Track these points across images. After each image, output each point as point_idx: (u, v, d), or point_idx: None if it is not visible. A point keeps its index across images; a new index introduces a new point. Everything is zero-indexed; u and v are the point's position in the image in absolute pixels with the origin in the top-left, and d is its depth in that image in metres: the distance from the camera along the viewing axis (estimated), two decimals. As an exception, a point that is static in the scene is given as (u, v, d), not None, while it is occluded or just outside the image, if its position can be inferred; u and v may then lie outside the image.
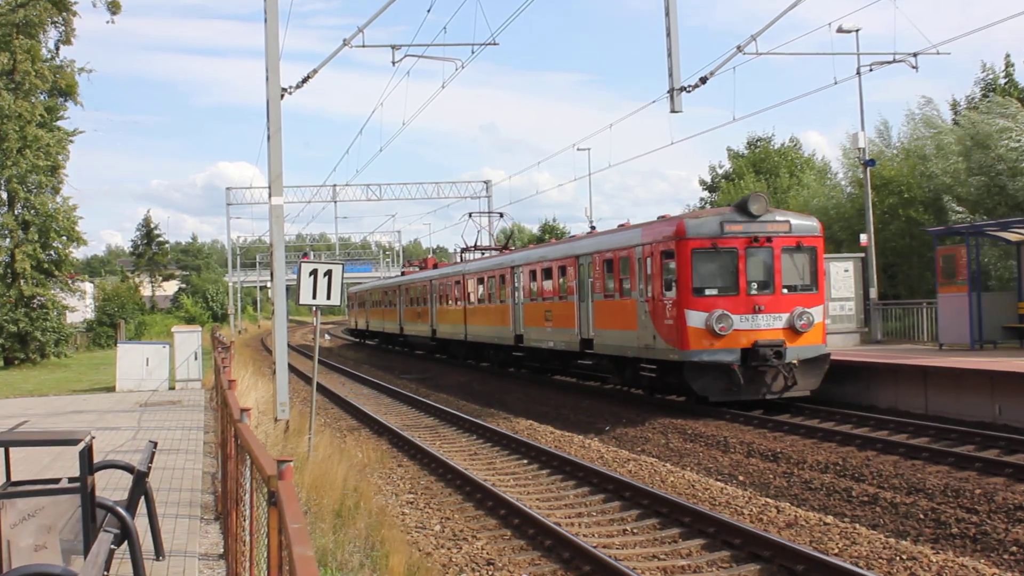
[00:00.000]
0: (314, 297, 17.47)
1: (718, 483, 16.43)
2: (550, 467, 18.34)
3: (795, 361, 24.01)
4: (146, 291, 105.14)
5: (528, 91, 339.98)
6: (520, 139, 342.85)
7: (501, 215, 55.28)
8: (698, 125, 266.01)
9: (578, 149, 59.35)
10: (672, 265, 24.33)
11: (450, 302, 46.00)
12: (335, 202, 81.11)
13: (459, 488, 16.67)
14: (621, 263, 27.25)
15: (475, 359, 44.98)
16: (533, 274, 34.65)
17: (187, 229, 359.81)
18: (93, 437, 7.92)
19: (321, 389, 33.86)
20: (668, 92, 23.80)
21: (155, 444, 10.48)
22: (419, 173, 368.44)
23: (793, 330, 23.98)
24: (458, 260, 50.50)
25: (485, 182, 78.33)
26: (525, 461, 19.33)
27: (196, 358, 31.84)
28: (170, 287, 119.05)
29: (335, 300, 17.45)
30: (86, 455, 7.66)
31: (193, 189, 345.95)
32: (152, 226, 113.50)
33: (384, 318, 63.70)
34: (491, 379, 37.59)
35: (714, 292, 23.94)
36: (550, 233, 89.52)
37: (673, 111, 24.02)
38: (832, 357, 25.29)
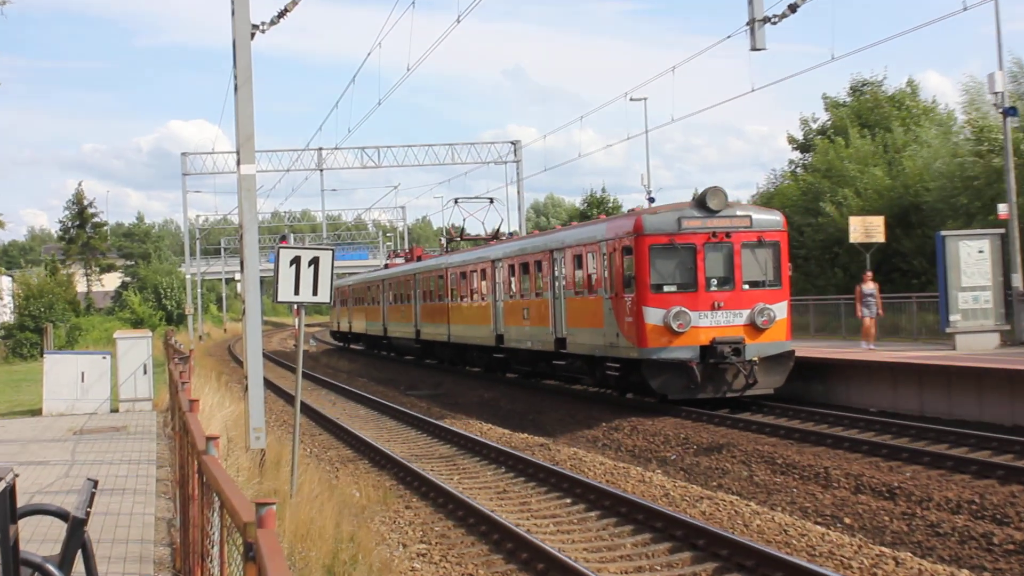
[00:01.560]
0: (296, 292, 17.48)
1: (818, 527, 16.34)
2: (600, 508, 18.33)
3: (756, 359, 29.00)
4: (80, 286, 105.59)
5: (564, 25, 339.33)
6: (555, 87, 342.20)
7: (491, 200, 58.47)
8: (786, 67, 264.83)
9: (631, 99, 59.10)
10: (631, 261, 29.30)
11: (434, 299, 50.78)
12: (321, 170, 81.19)
13: (484, 536, 16.66)
14: (589, 258, 32.34)
15: (461, 363, 50.12)
16: (512, 269, 39.52)
17: (131, 207, 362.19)
18: (16, 475, 7.92)
19: (306, 410, 33.97)
20: (748, 24, 23.72)
21: (95, 483, 10.48)
22: (428, 132, 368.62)
23: (754, 327, 29.16)
24: (444, 252, 55.73)
25: (512, 143, 78.17)
26: (568, 500, 19.31)
27: (145, 372, 31.97)
28: (111, 281, 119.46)
29: (323, 296, 17.46)
30: (7, 498, 7.65)
31: (137, 155, 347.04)
32: (86, 203, 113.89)
33: (367, 318, 69.12)
34: (522, 395, 37.65)
35: (672, 289, 29.12)
36: (597, 207, 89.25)
37: (754, 48, 23.93)
38: (966, 364, 25.16)
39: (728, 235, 29.50)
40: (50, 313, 66.89)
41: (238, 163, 19.90)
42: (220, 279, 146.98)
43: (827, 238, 54.48)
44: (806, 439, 24.60)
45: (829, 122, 67.12)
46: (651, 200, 61.03)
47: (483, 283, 43.23)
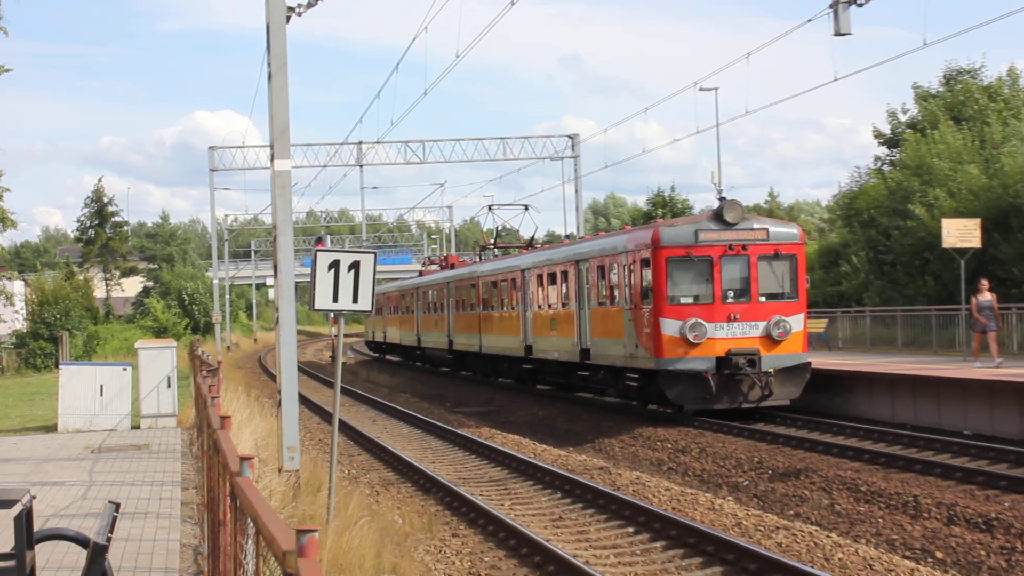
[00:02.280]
0: (335, 300, 17.53)
1: (906, 562, 16.24)
2: (666, 538, 18.28)
3: (771, 370, 32.00)
4: (99, 291, 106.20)
5: (626, 8, 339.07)
6: (615, 76, 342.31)
7: (526, 207, 61.33)
8: (873, 54, 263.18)
9: (701, 89, 58.82)
10: (649, 273, 32.61)
11: (466, 308, 54.40)
12: (361, 166, 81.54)
13: (538, 567, 16.66)
14: (611, 270, 35.62)
15: (493, 374, 53.35)
16: (541, 279, 42.99)
17: (153, 205, 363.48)
18: (33, 497, 8.00)
19: (344, 428, 34.08)
20: (831, 6, 23.61)
21: (116, 506, 10.56)
22: (477, 125, 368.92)
23: (770, 339, 32.19)
24: (478, 259, 60.14)
25: (569, 137, 78.27)
26: (631, 529, 19.26)
27: (169, 385, 32.15)
28: (132, 286, 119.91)
29: (364, 304, 17.47)
30: (24, 521, 7.73)
31: (160, 150, 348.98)
32: (105, 201, 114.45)
33: (401, 327, 72.85)
34: (581, 413, 37.62)
35: (689, 300, 32.25)
36: (663, 207, 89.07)
37: (838, 33, 23.86)
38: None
39: (745, 247, 32.58)
40: (66, 321, 67.36)
41: (272, 158, 20.01)
42: (250, 284, 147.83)
43: (916, 243, 54.04)
44: (893, 464, 24.45)
45: (919, 115, 66.64)
46: (722, 199, 60.76)
47: (513, 293, 46.33)
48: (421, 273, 72.83)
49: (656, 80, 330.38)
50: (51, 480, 21.62)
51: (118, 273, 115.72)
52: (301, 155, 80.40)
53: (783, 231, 33.68)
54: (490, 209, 61.14)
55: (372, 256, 17.80)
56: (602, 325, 36.45)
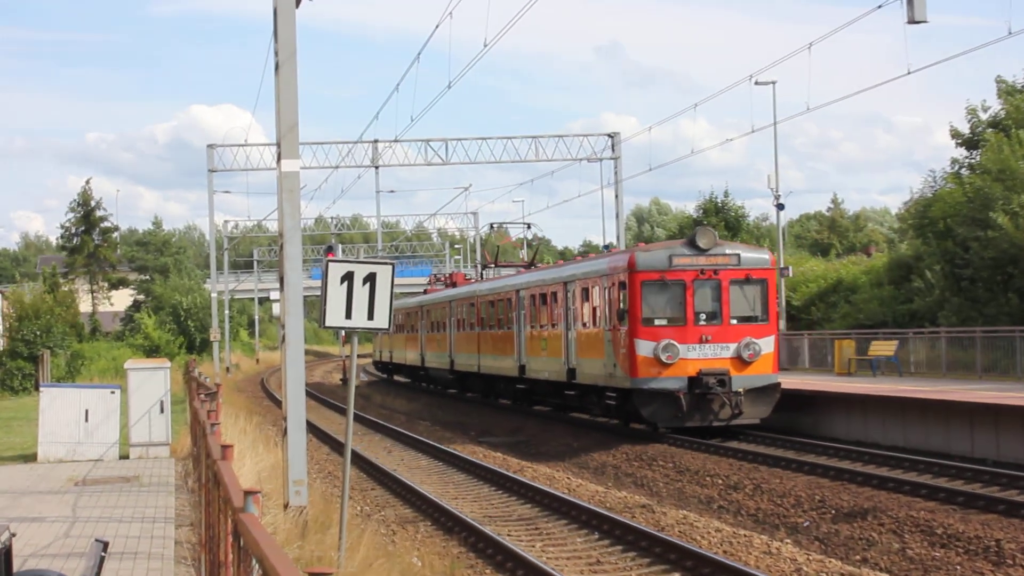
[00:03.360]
0: (348, 316, 17.53)
1: (988, 615, 16.15)
2: (717, 586, 18.24)
3: (741, 390, 36.54)
4: (84, 305, 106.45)
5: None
6: (659, 68, 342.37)
7: (529, 226, 68.72)
8: (950, 44, 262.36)
9: (756, 83, 58.91)
10: (625, 296, 37.39)
11: (466, 328, 59.74)
12: (376, 167, 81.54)
13: (574, 617, 16.61)
14: (594, 292, 40.52)
15: (492, 395, 58.20)
16: (534, 299, 47.98)
17: (144, 209, 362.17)
18: (13, 534, 8.01)
19: (356, 459, 34.10)
20: (904, -10, 23.54)
21: (104, 545, 10.59)
22: (506, 123, 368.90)
23: (740, 360, 36.83)
24: (479, 278, 66.33)
25: (609, 135, 77.98)
26: (677, 575, 19.21)
27: (162, 410, 32.23)
28: (121, 299, 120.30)
29: (381, 321, 17.45)
30: (2, 561, 7.74)
31: (153, 148, 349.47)
32: (93, 204, 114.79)
33: (406, 347, 77.96)
34: (618, 444, 37.57)
35: (663, 322, 37.08)
36: (715, 215, 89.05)
37: (912, 21, 23.79)
38: None
39: (716, 272, 37.33)
40: (47, 338, 67.43)
41: (278, 158, 20.06)
42: (252, 299, 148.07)
43: (999, 256, 53.80)
44: (972, 504, 24.33)
45: (1003, 112, 66.36)
46: (780, 207, 60.80)
47: (509, 313, 51.61)
48: (426, 291, 77.00)
49: (705, 73, 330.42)
50: (30, 515, 21.67)
51: (106, 285, 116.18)
52: (310, 155, 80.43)
53: (754, 256, 38.54)
54: (491, 227, 72.54)
55: (389, 268, 17.79)
56: (586, 346, 41.45)
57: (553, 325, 44.98)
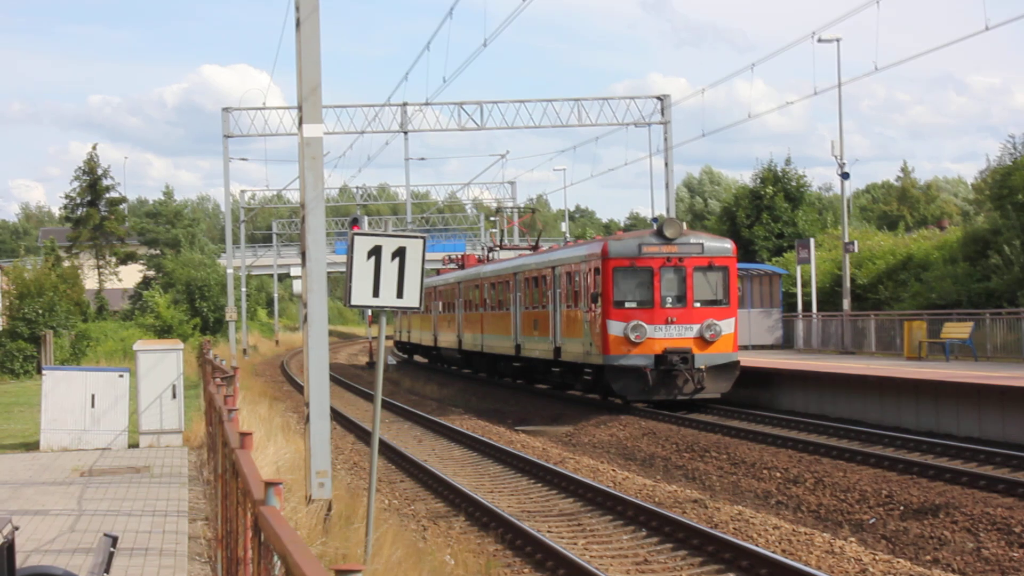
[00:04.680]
0: (375, 295, 17.54)
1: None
2: (775, 587, 18.23)
3: (703, 367, 43.18)
4: (90, 282, 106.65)
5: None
6: (710, 24, 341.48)
7: (533, 211, 79.63)
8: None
9: (819, 41, 58.65)
10: (599, 280, 44.04)
11: (472, 309, 67.50)
12: (405, 132, 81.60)
13: (619, 621, 16.62)
14: (576, 276, 47.37)
15: (494, 373, 65.86)
16: (528, 282, 55.45)
17: (153, 178, 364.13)
18: (16, 528, 8.05)
19: (384, 449, 34.16)
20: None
21: (113, 540, 10.64)
22: (546, 84, 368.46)
23: (702, 340, 43.50)
24: (487, 260, 73.04)
25: (658, 98, 77.79)
26: (731, 576, 19.22)
27: (174, 395, 32.29)
28: (130, 275, 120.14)
29: (411, 300, 17.46)
30: (4, 557, 7.78)
31: (161, 111, 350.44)
32: (99, 172, 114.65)
33: (421, 326, 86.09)
34: (667, 434, 37.57)
35: (633, 305, 43.69)
36: (773, 184, 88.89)
37: (991, -27, 23.62)
38: None
39: (682, 260, 44.01)
40: (50, 317, 67.52)
41: (300, 122, 20.02)
42: (271, 275, 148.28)
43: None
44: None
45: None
46: (844, 176, 60.56)
47: (507, 294, 59.03)
48: (439, 271, 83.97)
49: (761, 29, 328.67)
50: (32, 508, 21.78)
51: (113, 260, 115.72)
52: (334, 119, 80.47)
53: (717, 245, 45.33)
54: (498, 212, 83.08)
55: (420, 241, 17.77)
56: (568, 326, 48.34)
57: (543, 307, 52.02)
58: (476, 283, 66.51)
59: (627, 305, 43.61)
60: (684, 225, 46.21)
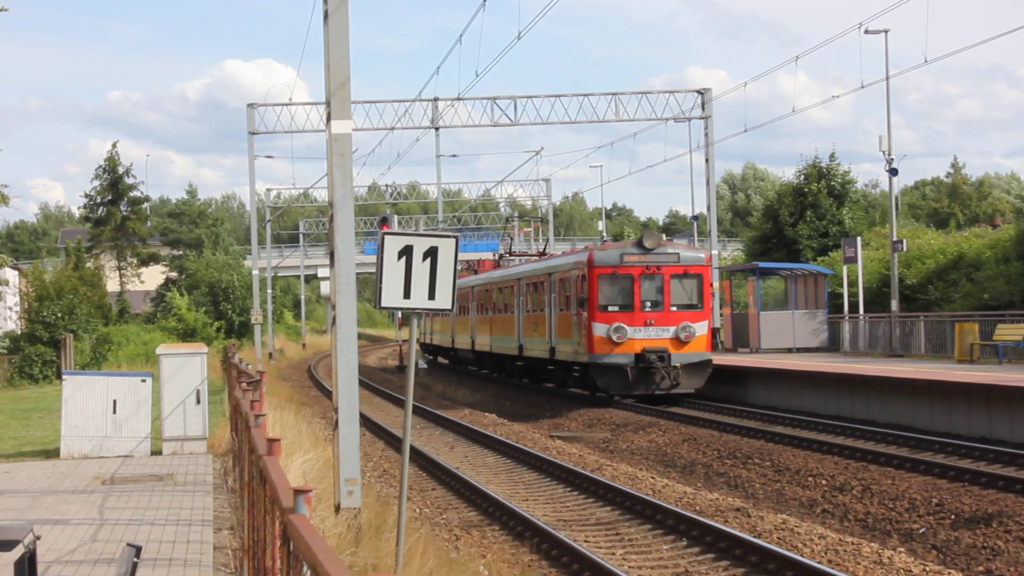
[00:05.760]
0: (407, 296, 17.56)
1: None
2: (820, 599, 18.23)
3: (678, 365, 48.99)
4: (112, 284, 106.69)
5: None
6: (751, 15, 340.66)
7: (542, 220, 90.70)
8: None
9: (866, 32, 58.56)
10: (586, 286, 50.29)
11: (484, 312, 74.04)
12: (437, 129, 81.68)
13: (659, 634, 16.64)
14: (569, 282, 53.45)
15: (502, 372, 73.38)
16: (529, 287, 61.56)
17: (175, 177, 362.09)
18: (38, 537, 8.12)
19: (416, 456, 34.20)
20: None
21: (137, 550, 10.71)
22: (582, 79, 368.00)
23: (678, 340, 49.33)
24: (498, 266, 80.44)
25: (699, 92, 77.75)
26: (775, 588, 19.22)
27: (199, 401, 32.30)
28: (152, 277, 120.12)
29: (443, 301, 17.47)
30: (26, 567, 7.84)
31: (184, 107, 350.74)
32: (121, 171, 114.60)
33: (442, 330, 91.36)
34: (708, 438, 37.55)
35: (615, 308, 49.72)
36: (817, 180, 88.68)
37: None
38: None
39: (659, 268, 49.92)
40: (70, 320, 67.46)
41: (328, 118, 20.06)
42: (298, 277, 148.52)
43: None
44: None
45: None
46: (893, 172, 60.38)
47: (512, 298, 65.27)
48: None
49: (804, 21, 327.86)
50: (53, 517, 21.86)
51: (135, 261, 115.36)
52: (363, 115, 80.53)
53: (692, 255, 51.66)
54: (507, 221, 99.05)
55: (453, 241, 17.76)
56: (561, 328, 54.62)
57: (541, 310, 58.50)
58: (487, 288, 73.08)
59: (610, 309, 49.69)
60: (663, 237, 53.61)
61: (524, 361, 64.38)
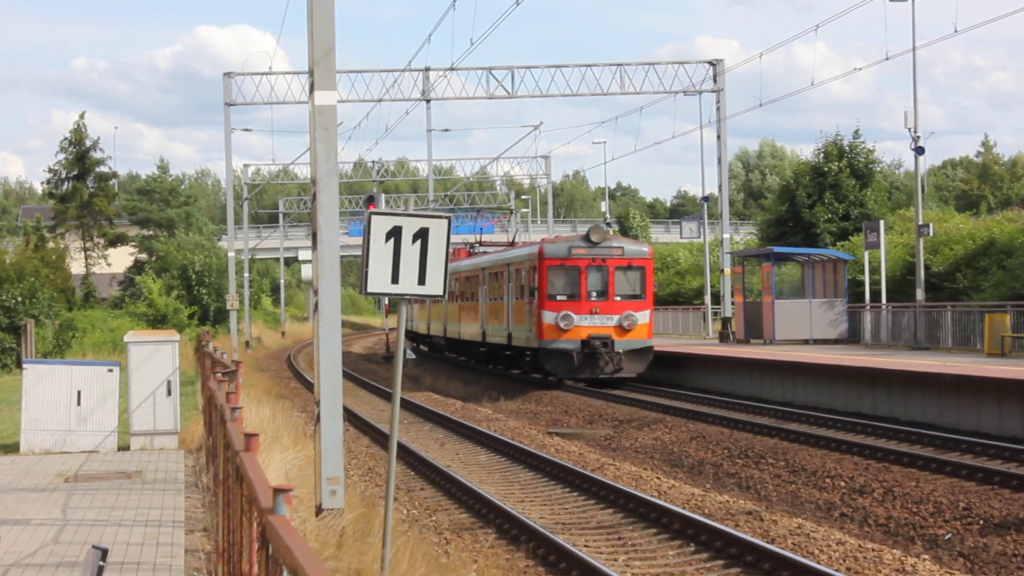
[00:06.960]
0: (394, 281, 17.55)
1: None
2: (838, 610, 18.24)
3: (621, 351, 56.13)
4: (77, 266, 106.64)
5: None
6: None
7: (512, 211, 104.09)
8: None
9: (891, 0, 58.54)
10: (536, 277, 57.42)
11: (455, 300, 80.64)
12: (428, 101, 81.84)
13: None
14: (523, 273, 60.57)
15: (467, 356, 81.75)
16: (492, 276, 68.99)
17: (145, 151, 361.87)
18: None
19: (403, 453, 34.20)
20: None
21: (103, 553, 10.71)
22: (584, 48, 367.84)
23: (621, 328, 56.42)
24: (471, 255, 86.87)
25: (710, 63, 77.65)
26: (790, 598, 19.22)
27: (169, 392, 32.27)
28: (120, 258, 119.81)
29: (434, 287, 17.46)
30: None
31: (153, 77, 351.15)
32: (87, 144, 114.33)
33: (419, 316, 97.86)
34: (718, 436, 37.56)
35: (563, 298, 56.84)
36: (838, 160, 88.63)
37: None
38: None
39: (604, 260, 57.08)
40: (32, 305, 67.30)
41: (311, 89, 20.03)
42: (277, 259, 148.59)
43: None
44: None
45: None
46: (919, 151, 60.33)
47: (478, 288, 73.07)
48: None
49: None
50: (12, 518, 21.84)
51: (102, 242, 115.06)
52: (349, 86, 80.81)
53: (635, 248, 59.58)
54: (479, 212, 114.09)
55: (445, 222, 17.74)
56: (517, 315, 61.64)
57: (501, 299, 65.72)
58: (456, 276, 78.64)
59: (558, 298, 56.98)
60: (609, 231, 62.65)
61: (486, 347, 71.81)
